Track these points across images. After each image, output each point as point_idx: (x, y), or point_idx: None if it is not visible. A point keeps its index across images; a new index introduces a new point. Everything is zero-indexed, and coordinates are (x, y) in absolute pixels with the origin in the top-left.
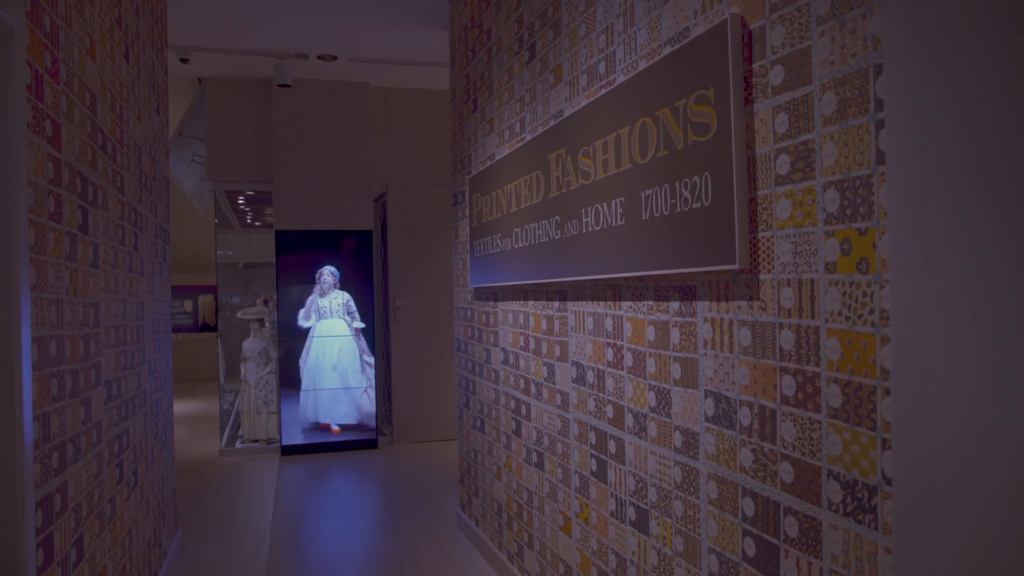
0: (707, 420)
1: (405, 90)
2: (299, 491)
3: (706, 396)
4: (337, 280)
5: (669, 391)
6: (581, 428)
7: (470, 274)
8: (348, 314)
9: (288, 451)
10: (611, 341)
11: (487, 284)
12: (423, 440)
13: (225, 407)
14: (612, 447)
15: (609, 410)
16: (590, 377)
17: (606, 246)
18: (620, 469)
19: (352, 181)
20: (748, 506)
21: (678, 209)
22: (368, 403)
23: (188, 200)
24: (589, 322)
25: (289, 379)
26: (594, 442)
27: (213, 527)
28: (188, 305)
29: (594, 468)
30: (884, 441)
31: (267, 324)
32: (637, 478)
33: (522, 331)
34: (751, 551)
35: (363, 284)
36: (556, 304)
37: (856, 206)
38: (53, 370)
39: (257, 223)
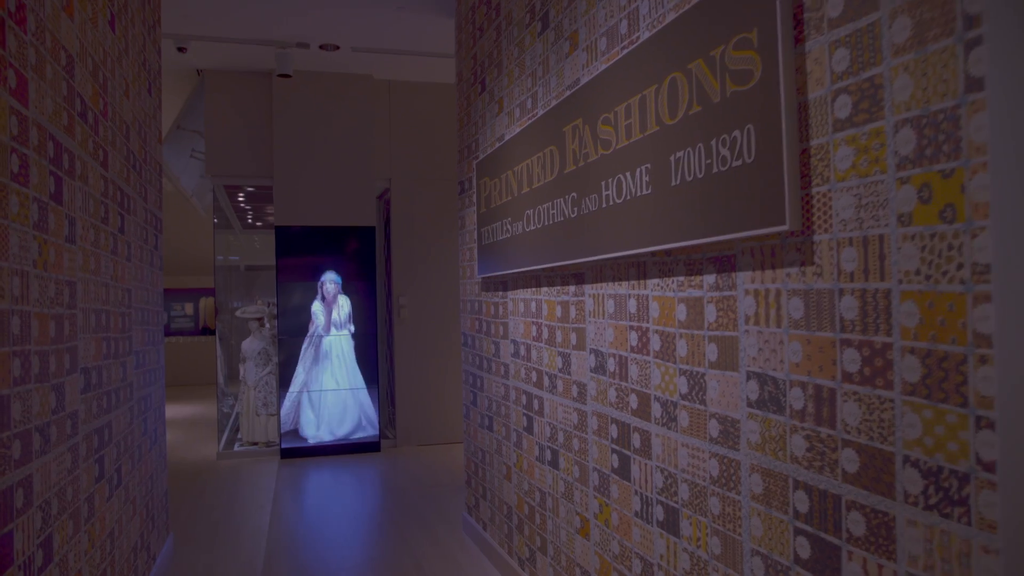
0: (750, 405)
1: (409, 83)
2: (298, 495)
3: (748, 378)
4: (339, 288)
5: (703, 375)
6: (600, 421)
7: (477, 264)
8: (351, 323)
9: (288, 454)
10: (635, 324)
11: (496, 273)
12: (427, 443)
13: (225, 410)
14: (636, 441)
15: (633, 400)
16: (611, 365)
17: (629, 220)
18: (646, 465)
19: (354, 176)
20: (801, 501)
21: (715, 170)
22: (367, 407)
23: (188, 198)
24: (609, 305)
25: (288, 381)
26: (615, 436)
27: (207, 532)
28: (189, 308)
29: (615, 464)
30: (979, 420)
31: (267, 324)
32: (666, 474)
33: (534, 320)
34: (805, 552)
35: (365, 283)
36: (572, 288)
37: (938, 145)
38: (14, 349)
39: (258, 223)
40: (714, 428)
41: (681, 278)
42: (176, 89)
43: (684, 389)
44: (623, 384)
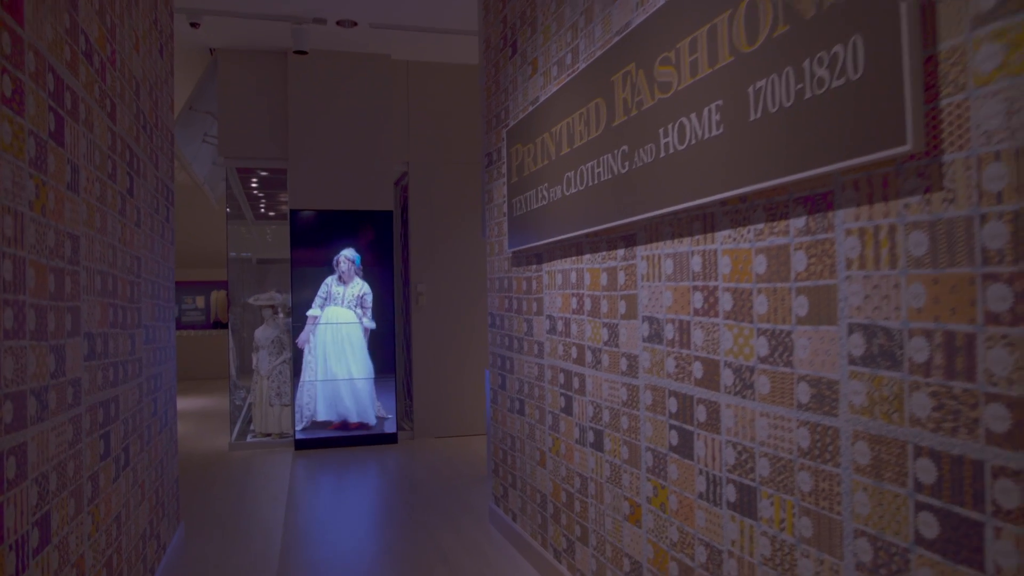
0: (852, 363)
1: (427, 64)
2: (314, 486)
3: (851, 331)
4: (356, 267)
5: (790, 333)
6: (656, 395)
7: (507, 238)
8: (360, 307)
9: (302, 445)
10: (700, 284)
11: (529, 245)
12: (446, 435)
13: (237, 403)
14: (701, 414)
15: (696, 369)
16: (668, 332)
17: (694, 167)
18: (713, 440)
19: (372, 159)
20: (925, 471)
21: (807, 95)
22: (374, 397)
23: (200, 186)
24: (667, 266)
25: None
26: (674, 410)
27: (219, 523)
28: (200, 301)
29: (674, 442)
30: None
31: (280, 312)
32: (739, 448)
33: (574, 292)
34: (930, 531)
35: (383, 269)
36: (621, 252)
37: None
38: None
39: (271, 212)
40: (804, 393)
41: (760, 226)
42: (188, 68)
43: (764, 351)
44: (684, 352)
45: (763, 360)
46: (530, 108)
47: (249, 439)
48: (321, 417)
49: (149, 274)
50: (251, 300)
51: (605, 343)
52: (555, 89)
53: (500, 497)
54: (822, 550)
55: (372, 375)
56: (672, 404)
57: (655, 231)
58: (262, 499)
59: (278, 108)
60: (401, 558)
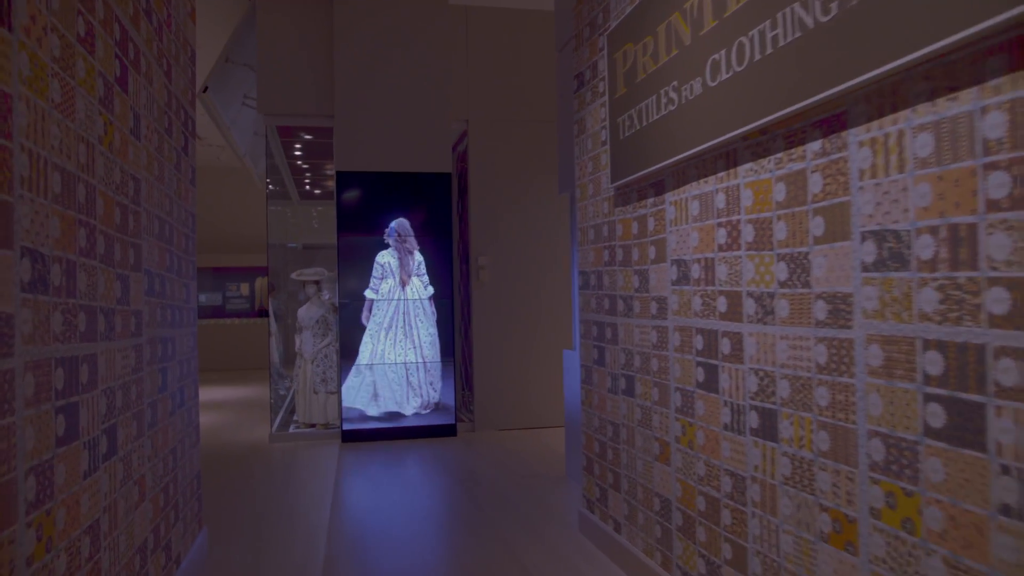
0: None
1: (489, 8)
2: (364, 484)
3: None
4: (410, 239)
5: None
6: (893, 350)
7: (609, 171)
8: (417, 275)
9: (349, 437)
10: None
11: (645, 172)
12: (510, 427)
13: (281, 392)
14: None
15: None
16: (923, 249)
17: None
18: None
19: (427, 115)
20: (933, 363)
21: None
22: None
23: (240, 159)
24: (919, 144)
25: (351, 353)
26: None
27: (252, 528)
28: (244, 288)
29: (932, 424)
30: None
31: (325, 290)
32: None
33: (722, 221)
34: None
35: (439, 239)
36: (815, 146)
37: None
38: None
39: (317, 190)
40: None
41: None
42: (224, 16)
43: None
44: (972, 276)
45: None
46: None
47: (292, 430)
48: (370, 411)
49: (186, 233)
50: (294, 275)
51: (782, 285)
52: None
53: (595, 501)
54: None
55: (437, 357)
56: (935, 364)
57: (893, 92)
58: (303, 499)
59: (323, 59)
60: (474, 572)
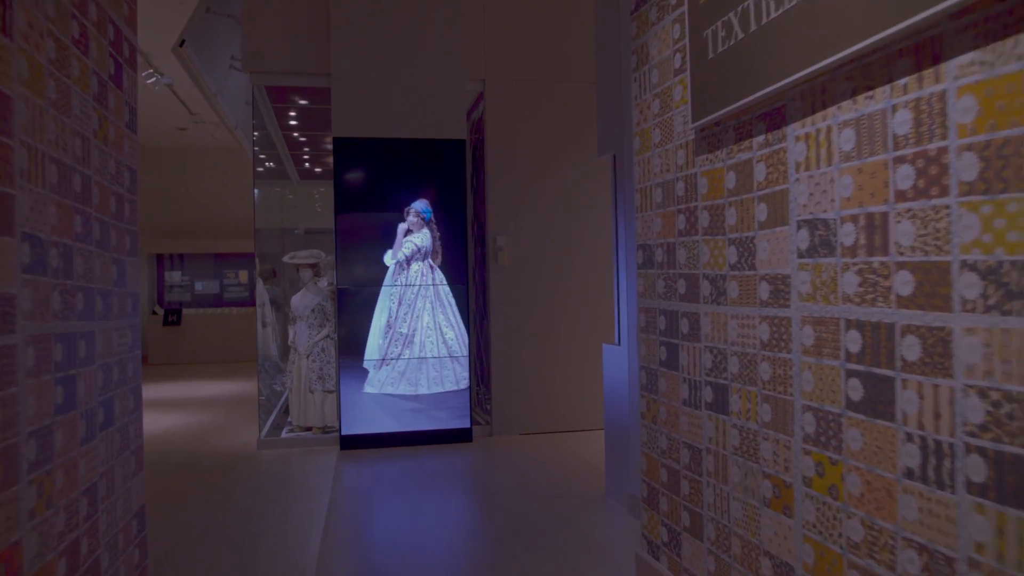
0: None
1: None
2: (362, 508)
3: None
4: (426, 222)
5: None
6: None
7: (689, 105)
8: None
9: (349, 443)
10: None
11: (753, 97)
12: (534, 431)
13: (277, 388)
14: None
15: None
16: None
17: None
18: None
19: (437, 75)
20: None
21: None
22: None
23: (231, 131)
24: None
25: (352, 346)
26: None
27: (228, 558)
28: (243, 276)
29: None
30: None
31: (324, 276)
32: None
33: (906, 154)
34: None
35: (452, 215)
36: None
37: None
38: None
39: (317, 168)
40: None
41: None
42: None
43: None
44: None
45: None
46: None
47: (284, 434)
48: (373, 426)
49: (125, 191)
50: (287, 258)
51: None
52: None
53: (662, 546)
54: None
55: (461, 351)
56: None
57: None
58: (288, 529)
59: (318, 9)
60: None
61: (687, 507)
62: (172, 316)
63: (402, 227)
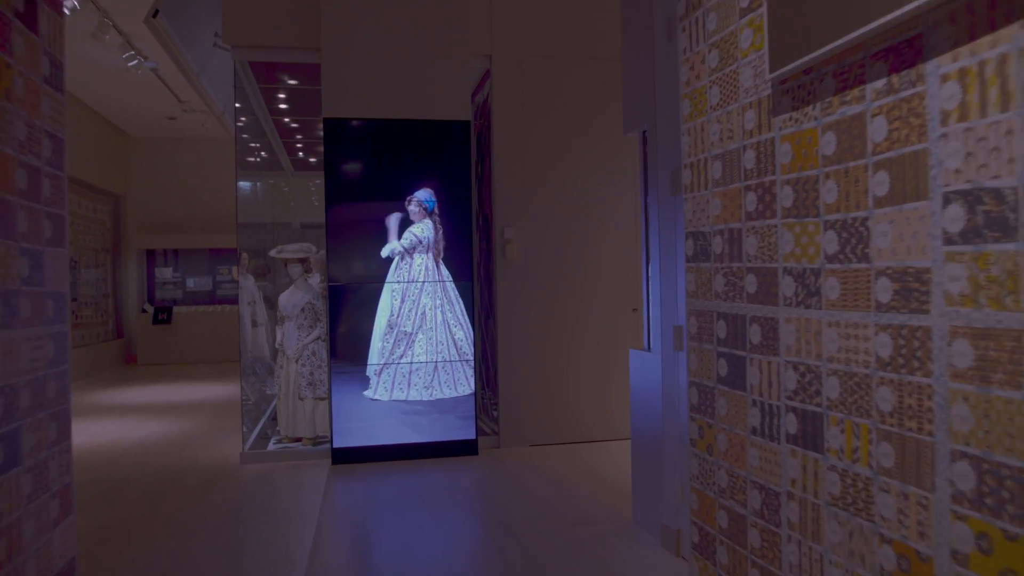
0: None
1: None
2: (352, 539)
3: None
4: (428, 212)
5: None
6: None
7: (765, 50)
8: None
9: (342, 457)
10: None
11: (872, 26)
12: (546, 443)
13: (269, 392)
14: None
15: None
16: None
17: None
18: None
19: (439, 49)
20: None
21: None
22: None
23: (219, 118)
24: None
25: (344, 349)
26: None
27: None
28: (236, 272)
29: None
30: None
31: (316, 272)
32: None
33: None
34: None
35: (456, 205)
36: None
37: None
38: None
39: (312, 158)
40: None
41: None
42: None
43: None
44: None
45: None
46: None
47: (272, 445)
48: (381, 437)
49: (43, 163)
50: (273, 252)
51: None
52: None
53: None
54: None
55: (471, 352)
56: None
57: None
58: (269, 558)
59: None
60: None
61: (759, 564)
62: (162, 314)
63: (394, 218)
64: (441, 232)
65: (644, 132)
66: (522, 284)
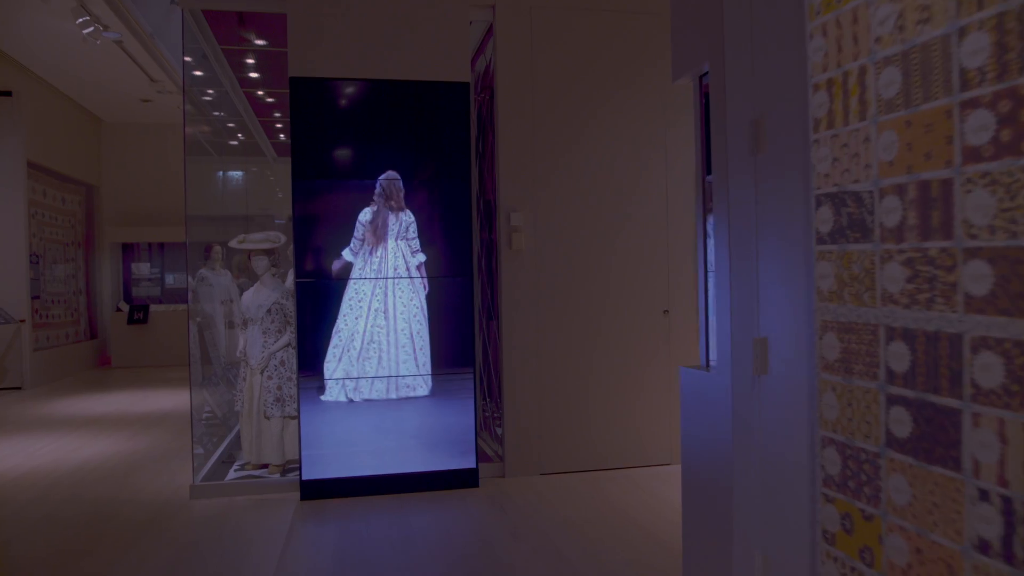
0: None
1: None
2: None
3: None
4: (401, 195)
5: None
6: None
7: None
8: (407, 240)
9: (312, 491)
10: None
11: None
12: (558, 471)
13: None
14: None
15: None
16: None
17: None
18: None
19: None
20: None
21: None
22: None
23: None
24: None
25: (314, 358)
26: None
27: None
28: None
29: None
30: None
31: (281, 266)
32: None
33: None
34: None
35: (453, 184)
36: None
37: None
38: None
39: None
40: None
41: None
42: None
43: None
44: None
45: None
46: None
47: (232, 474)
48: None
49: None
50: (234, 242)
51: None
52: None
53: None
54: None
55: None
56: None
57: None
58: None
59: None
60: None
61: None
62: (138, 313)
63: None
64: (410, 215)
65: (703, 76)
66: (531, 279)
